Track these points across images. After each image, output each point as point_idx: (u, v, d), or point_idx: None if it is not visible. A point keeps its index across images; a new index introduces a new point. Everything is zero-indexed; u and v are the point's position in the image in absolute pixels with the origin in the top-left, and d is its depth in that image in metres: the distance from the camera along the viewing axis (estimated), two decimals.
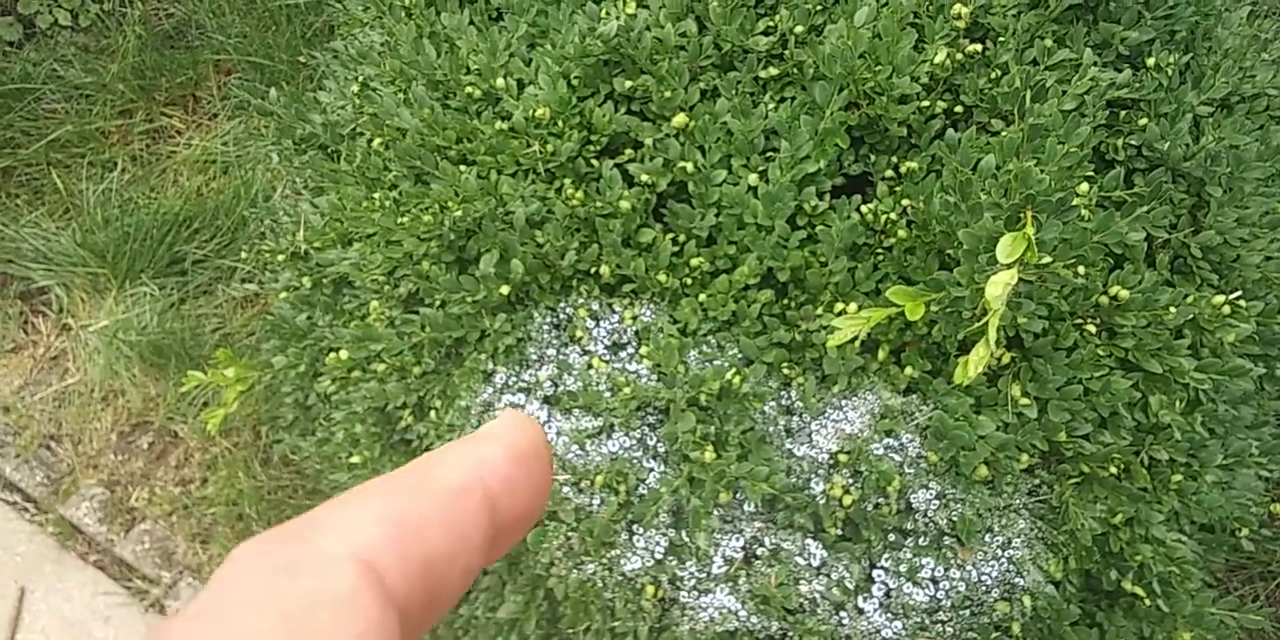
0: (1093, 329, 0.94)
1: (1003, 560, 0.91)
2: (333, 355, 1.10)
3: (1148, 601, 0.96)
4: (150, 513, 1.84)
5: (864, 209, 0.99)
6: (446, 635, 1.21)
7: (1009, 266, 0.75)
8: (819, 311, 0.96)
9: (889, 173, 1.03)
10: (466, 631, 1.12)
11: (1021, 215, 0.82)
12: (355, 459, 1.08)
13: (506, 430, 0.25)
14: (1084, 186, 0.95)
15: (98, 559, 1.81)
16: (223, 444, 1.85)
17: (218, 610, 0.19)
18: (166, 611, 1.70)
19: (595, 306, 1.00)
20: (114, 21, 2.39)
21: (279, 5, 2.29)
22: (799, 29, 1.04)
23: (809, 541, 0.91)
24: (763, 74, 1.05)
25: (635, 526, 0.91)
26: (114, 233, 2.00)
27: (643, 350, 0.96)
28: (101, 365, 1.91)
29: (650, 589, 0.91)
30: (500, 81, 1.07)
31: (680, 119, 1.03)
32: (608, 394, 0.94)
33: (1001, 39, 1.03)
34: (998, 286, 0.74)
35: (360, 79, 1.24)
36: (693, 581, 0.90)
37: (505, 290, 0.98)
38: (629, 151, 1.06)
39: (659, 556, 0.90)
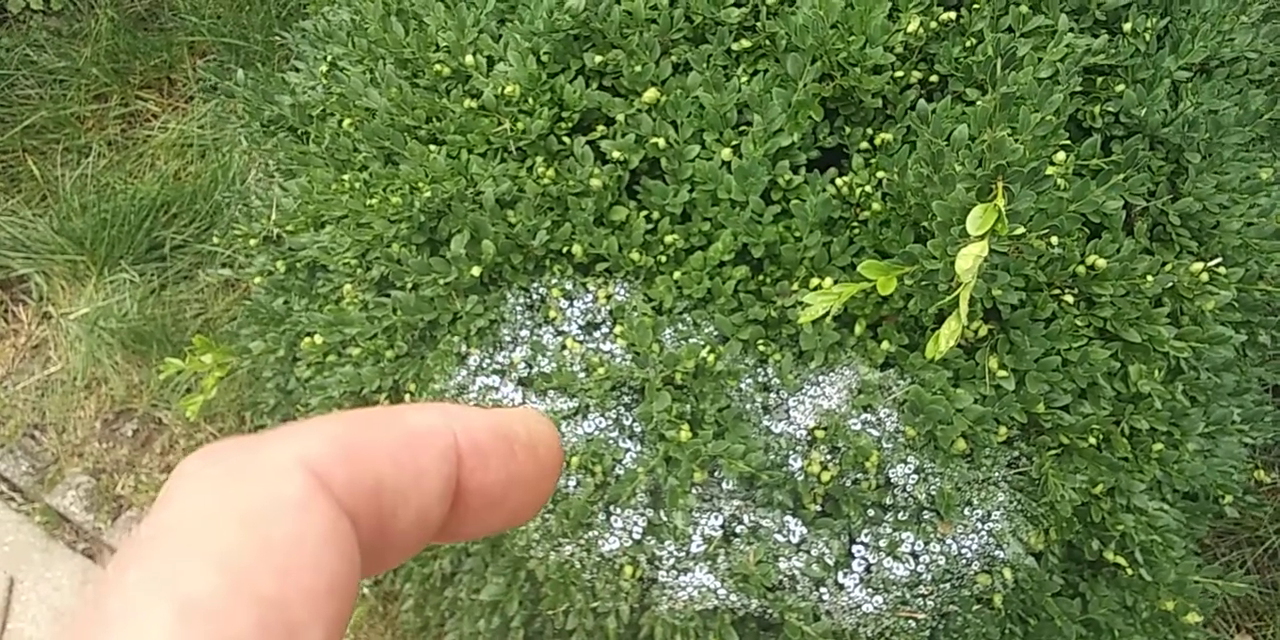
0: (1070, 299, 0.93)
1: (983, 533, 0.90)
2: (308, 340, 1.09)
3: (1130, 571, 0.96)
4: (136, 500, 1.83)
5: (839, 182, 0.97)
6: (433, 617, 1.21)
7: (980, 238, 0.74)
8: (794, 287, 0.95)
9: (864, 145, 1.01)
10: (452, 613, 1.12)
11: (994, 186, 0.81)
12: None
13: (509, 414, 0.24)
14: (1060, 155, 0.94)
15: (86, 547, 1.80)
16: (207, 430, 1.84)
17: (176, 524, 0.19)
18: None
19: (569, 286, 0.98)
20: (86, 4, 2.36)
21: None
22: (771, 0, 1.02)
23: (788, 518, 0.90)
24: (735, 46, 1.04)
25: (613, 507, 0.91)
26: (91, 219, 1.98)
27: (617, 329, 0.95)
28: (83, 353, 1.90)
29: (629, 569, 0.90)
30: (469, 59, 1.06)
31: (651, 94, 1.01)
32: (582, 375, 0.93)
33: (976, 6, 1.01)
34: (968, 259, 0.72)
35: (328, 59, 1.22)
36: (671, 561, 0.89)
37: (476, 271, 0.97)
38: (601, 128, 1.05)
39: (637, 537, 0.89)
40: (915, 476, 0.90)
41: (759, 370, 0.95)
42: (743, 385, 0.93)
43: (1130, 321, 0.94)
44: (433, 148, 1.04)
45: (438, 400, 0.97)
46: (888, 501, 0.92)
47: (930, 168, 0.89)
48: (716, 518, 0.90)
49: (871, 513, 0.92)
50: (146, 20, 2.39)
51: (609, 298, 0.98)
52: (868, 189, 0.96)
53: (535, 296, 0.99)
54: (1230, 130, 1.00)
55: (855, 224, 0.98)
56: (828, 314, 0.84)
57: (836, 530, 0.92)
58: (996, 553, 0.92)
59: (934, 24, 0.99)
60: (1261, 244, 1.00)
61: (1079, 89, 1.01)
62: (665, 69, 1.03)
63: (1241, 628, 1.53)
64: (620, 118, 1.02)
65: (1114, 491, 0.95)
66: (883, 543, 0.90)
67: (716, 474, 0.92)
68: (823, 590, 0.90)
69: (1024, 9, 0.99)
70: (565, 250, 0.99)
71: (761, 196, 0.97)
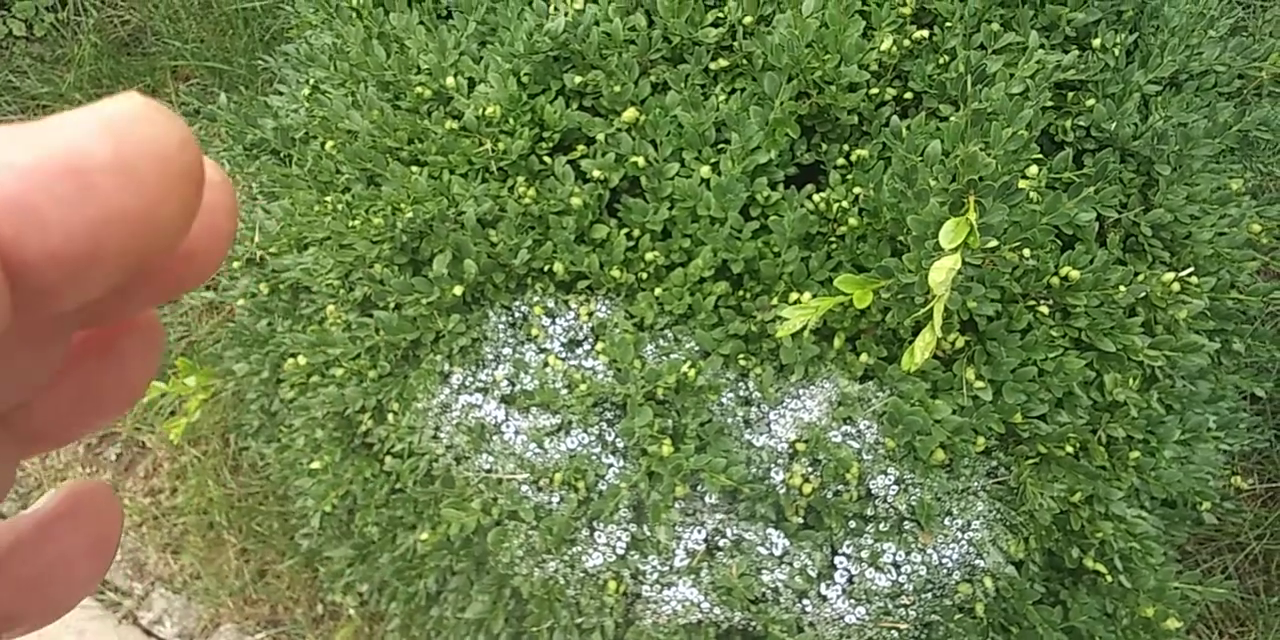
0: (1045, 310, 0.95)
1: (963, 543, 0.91)
2: (291, 361, 1.10)
3: (1110, 578, 0.97)
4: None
5: (816, 198, 0.99)
6: (420, 637, 1.20)
7: (953, 252, 0.75)
8: (774, 302, 0.96)
9: (841, 161, 1.03)
10: (438, 633, 1.12)
11: (966, 200, 0.82)
12: (316, 465, 1.07)
13: (67, 125, 0.16)
14: (1033, 169, 0.95)
15: None
16: (191, 453, 1.83)
17: None
18: (139, 622, 1.69)
19: (550, 304, 0.99)
20: (69, 30, 2.37)
21: (235, 9, 2.27)
22: (747, 20, 1.03)
23: (771, 531, 0.91)
24: (712, 66, 1.05)
25: (596, 523, 0.91)
26: None
27: (599, 346, 0.95)
28: None
29: (613, 584, 0.91)
30: (450, 80, 1.07)
31: (631, 113, 1.02)
32: (565, 391, 0.94)
33: (949, 24, 1.03)
34: (941, 272, 0.74)
35: (311, 82, 1.23)
36: (655, 575, 0.90)
37: (458, 291, 0.97)
38: (581, 148, 1.06)
39: (620, 552, 0.90)
40: (895, 487, 0.91)
41: (740, 384, 0.96)
42: (724, 399, 0.94)
43: (1105, 331, 0.95)
44: (414, 169, 1.05)
45: (420, 418, 0.97)
46: (869, 512, 0.92)
47: (905, 183, 0.90)
48: (699, 531, 0.91)
49: (853, 524, 0.93)
50: (129, 45, 2.40)
51: (590, 315, 0.98)
52: (844, 204, 0.97)
53: (517, 314, 1.00)
54: (1199, 142, 1.02)
55: (833, 239, 0.99)
56: (806, 328, 0.85)
57: (819, 542, 0.93)
58: (977, 562, 0.92)
59: (907, 42, 1.01)
60: (1232, 253, 1.02)
61: (1050, 104, 1.03)
62: (644, 89, 1.04)
63: (1224, 634, 1.54)
64: (600, 137, 1.03)
65: (1092, 499, 0.97)
66: (864, 554, 0.91)
67: (699, 488, 0.92)
68: (806, 602, 0.91)
69: (995, 27, 1.01)
70: (547, 268, 1.00)
71: (740, 213, 0.98)
